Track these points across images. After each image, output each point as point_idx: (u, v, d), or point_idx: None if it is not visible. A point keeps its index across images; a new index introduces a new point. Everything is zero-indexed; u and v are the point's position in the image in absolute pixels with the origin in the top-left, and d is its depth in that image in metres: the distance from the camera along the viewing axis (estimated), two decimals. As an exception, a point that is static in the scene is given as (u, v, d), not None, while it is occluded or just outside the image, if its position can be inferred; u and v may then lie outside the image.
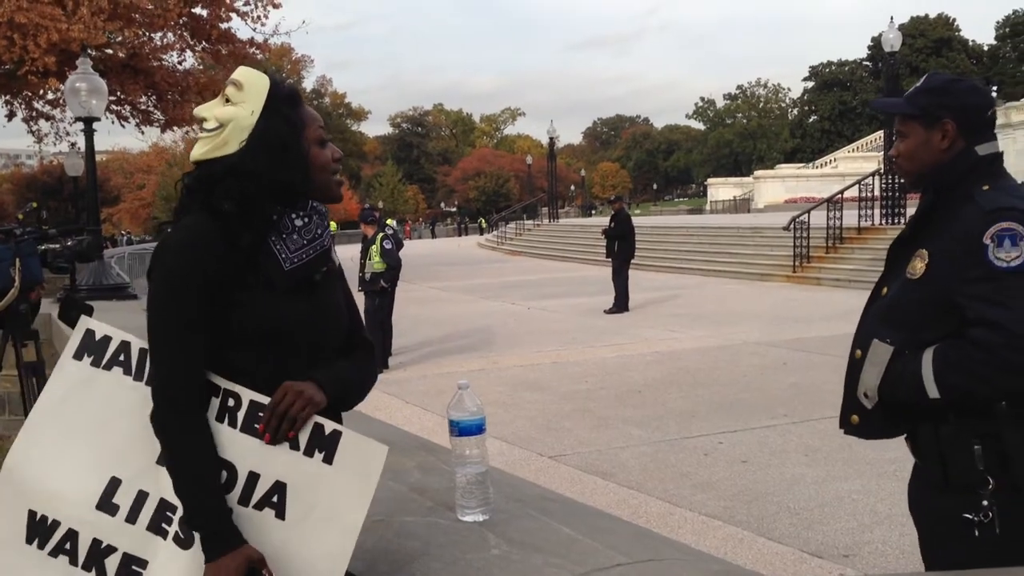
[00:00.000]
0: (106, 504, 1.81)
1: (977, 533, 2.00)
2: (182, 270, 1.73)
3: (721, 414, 7.38)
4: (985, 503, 2.00)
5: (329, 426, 1.76)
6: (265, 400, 1.75)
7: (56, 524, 1.83)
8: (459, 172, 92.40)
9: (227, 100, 1.80)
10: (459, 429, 2.34)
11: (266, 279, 1.77)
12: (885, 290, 2.29)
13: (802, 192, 46.06)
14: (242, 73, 1.83)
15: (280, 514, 1.74)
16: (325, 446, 1.76)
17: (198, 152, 1.80)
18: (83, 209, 28.54)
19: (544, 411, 7.76)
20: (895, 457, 5.61)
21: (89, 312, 4.60)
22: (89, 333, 1.91)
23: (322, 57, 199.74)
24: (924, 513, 2.23)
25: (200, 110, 1.84)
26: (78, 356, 1.91)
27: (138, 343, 1.88)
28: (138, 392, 1.83)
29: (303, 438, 1.75)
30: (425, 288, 19.54)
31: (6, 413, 6.56)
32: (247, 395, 1.76)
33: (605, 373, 9.40)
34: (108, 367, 1.88)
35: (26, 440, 1.92)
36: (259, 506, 1.74)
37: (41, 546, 1.84)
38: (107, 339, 1.90)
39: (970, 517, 2.01)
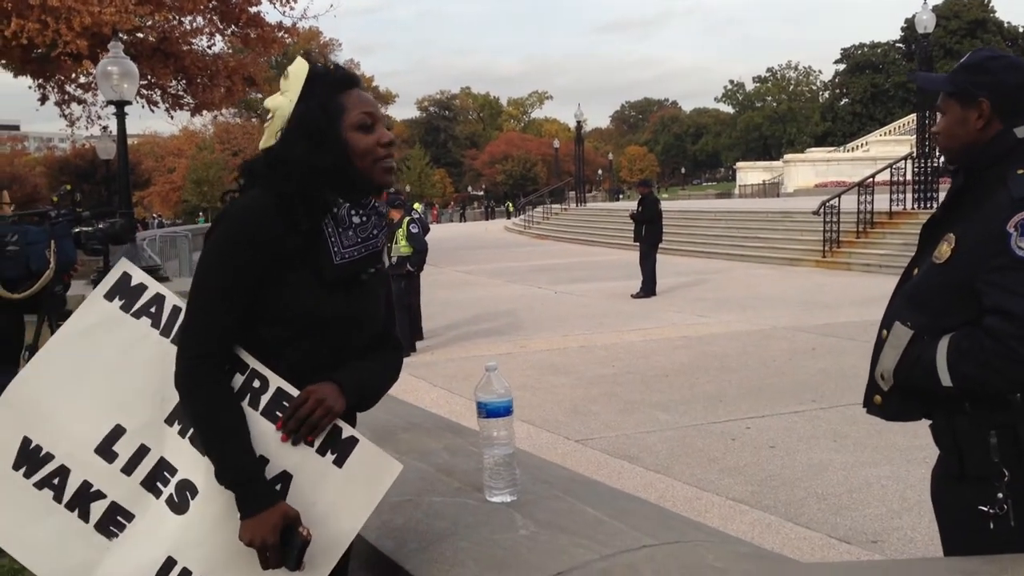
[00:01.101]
0: (105, 450, 1.81)
1: (992, 525, 1.97)
2: (235, 238, 1.77)
3: (749, 399, 7.35)
4: (1000, 495, 1.95)
5: (347, 431, 1.78)
6: (292, 390, 1.76)
7: (49, 457, 1.82)
8: (486, 156, 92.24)
9: (281, 91, 1.86)
10: (487, 411, 2.35)
11: (315, 267, 1.79)
12: (916, 271, 2.26)
13: (833, 176, 45.57)
14: (294, 64, 1.86)
15: (280, 496, 1.75)
16: (338, 449, 1.77)
17: (262, 142, 1.87)
18: (115, 192, 28.88)
19: (571, 395, 7.78)
20: (925, 444, 5.55)
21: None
22: (125, 276, 1.92)
23: (349, 41, 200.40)
24: (943, 503, 2.21)
25: (266, 101, 1.90)
26: (109, 296, 1.91)
27: (172, 300, 1.89)
28: (161, 347, 1.84)
29: (318, 436, 1.77)
30: (452, 272, 19.59)
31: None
32: (275, 381, 1.77)
33: (632, 357, 9.39)
34: (137, 315, 1.89)
35: (38, 366, 1.93)
36: None
37: (27, 475, 1.82)
38: (142, 287, 1.91)
39: (985, 509, 1.98)
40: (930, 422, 2.21)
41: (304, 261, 1.79)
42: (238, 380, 1.77)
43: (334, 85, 1.83)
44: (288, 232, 1.76)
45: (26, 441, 1.83)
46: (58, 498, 1.81)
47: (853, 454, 5.76)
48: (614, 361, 9.20)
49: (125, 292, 1.90)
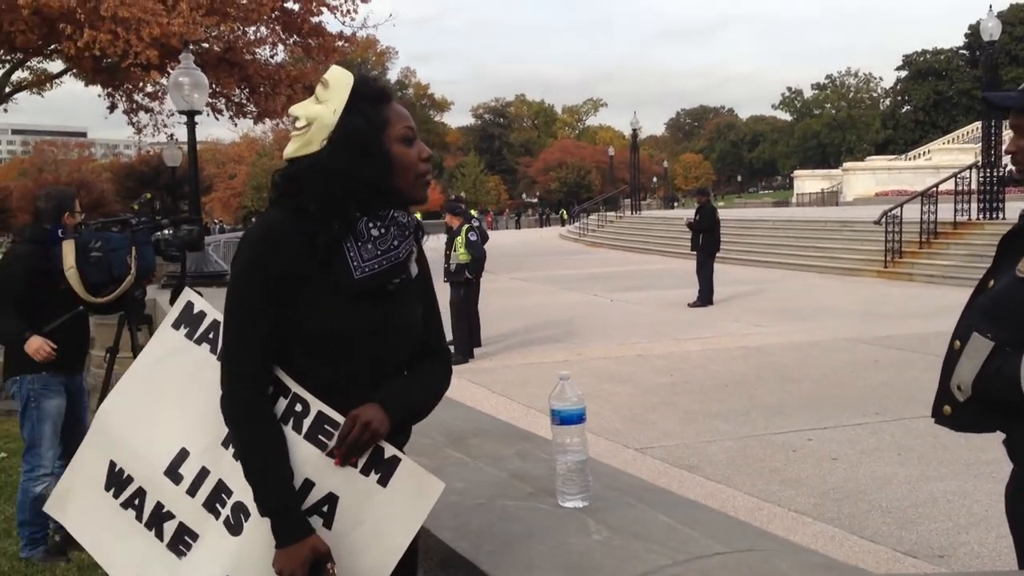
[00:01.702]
0: (173, 472, 1.90)
1: None
2: (254, 262, 1.78)
3: (810, 410, 7.30)
4: None
5: (389, 451, 1.80)
6: (333, 414, 1.78)
7: (130, 479, 1.95)
8: (541, 163, 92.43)
9: (317, 99, 1.83)
10: (560, 418, 2.41)
11: (336, 283, 1.78)
12: (992, 283, 2.25)
13: (894, 185, 44.73)
14: (331, 72, 1.84)
15: (328, 523, 1.78)
16: (382, 469, 1.79)
17: (289, 150, 1.84)
18: (179, 198, 29.52)
19: (630, 403, 7.79)
20: (993, 459, 5.48)
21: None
22: (188, 305, 2.02)
23: (406, 49, 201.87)
24: (1019, 518, 2.20)
25: (293, 109, 1.87)
26: (176, 325, 2.01)
27: None
28: (219, 372, 1.88)
29: (362, 457, 1.79)
30: (508, 279, 19.68)
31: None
32: (316, 405, 1.78)
33: (690, 366, 9.37)
34: (199, 342, 1.98)
35: (119, 394, 2.04)
36: (308, 513, 1.77)
37: (116, 495, 1.95)
38: (202, 315, 2.00)
39: None
40: (1003, 437, 2.21)
41: (325, 278, 1.78)
42: (281, 405, 1.79)
43: (376, 98, 1.82)
44: (308, 249, 1.76)
45: (112, 464, 1.97)
46: (139, 517, 1.92)
47: (918, 467, 5.70)
48: (672, 370, 9.19)
49: (189, 320, 2.00)
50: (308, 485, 1.76)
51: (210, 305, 2.02)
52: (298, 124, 1.83)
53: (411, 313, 1.93)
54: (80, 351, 4.88)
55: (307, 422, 1.78)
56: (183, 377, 1.96)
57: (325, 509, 1.77)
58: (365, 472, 1.79)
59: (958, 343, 2.24)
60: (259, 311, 1.76)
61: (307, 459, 1.77)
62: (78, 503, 2.03)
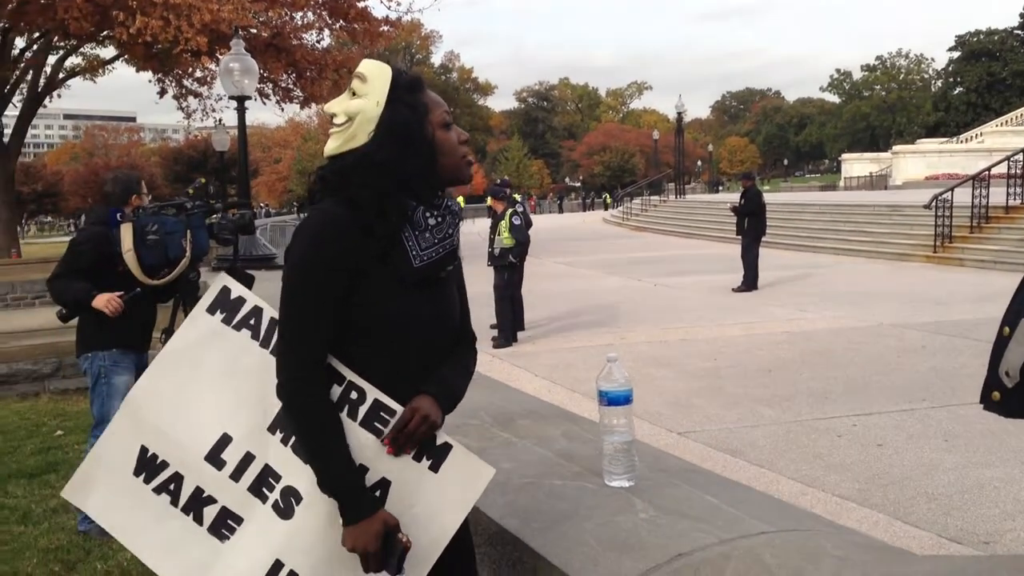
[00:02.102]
0: (214, 458, 1.91)
1: None
2: (313, 254, 1.78)
3: (855, 396, 7.26)
4: None
5: (441, 438, 1.85)
6: (389, 402, 1.82)
7: (164, 464, 1.95)
8: (584, 147, 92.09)
9: (353, 94, 1.84)
10: (608, 399, 2.46)
11: (395, 272, 1.81)
12: None
13: (945, 168, 43.89)
14: (365, 66, 1.86)
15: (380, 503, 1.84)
16: (434, 455, 1.85)
17: (331, 147, 1.85)
18: (228, 182, 29.92)
19: (673, 387, 7.81)
20: (1042, 446, 5.45)
21: (251, 281, 4.93)
22: (225, 291, 1.98)
23: (450, 32, 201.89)
24: None
25: (329, 106, 1.88)
26: (211, 310, 1.98)
27: (270, 311, 1.95)
28: (262, 358, 1.90)
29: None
30: (552, 263, 19.71)
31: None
32: (372, 393, 1.82)
33: (734, 351, 9.34)
34: (238, 327, 1.95)
35: (150, 378, 2.03)
36: None
37: (147, 481, 1.95)
38: (241, 300, 1.97)
39: None
40: None
41: (384, 268, 1.80)
42: (336, 392, 1.82)
43: (413, 87, 1.85)
44: (365, 241, 1.77)
45: (143, 449, 1.97)
46: (175, 502, 1.94)
47: (964, 455, 5.66)
48: (715, 355, 9.18)
49: (226, 305, 1.97)
50: (362, 470, 1.81)
51: (248, 291, 2.01)
52: (336, 121, 1.84)
53: (455, 299, 1.99)
54: (147, 329, 5.01)
55: (363, 409, 1.82)
56: (221, 362, 1.95)
57: (378, 493, 1.82)
58: (417, 458, 1.84)
59: (1007, 329, 2.24)
60: (319, 302, 1.78)
61: (363, 445, 1.82)
62: (104, 489, 2.01)
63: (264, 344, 1.93)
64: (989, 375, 2.32)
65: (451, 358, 1.97)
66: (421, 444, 1.84)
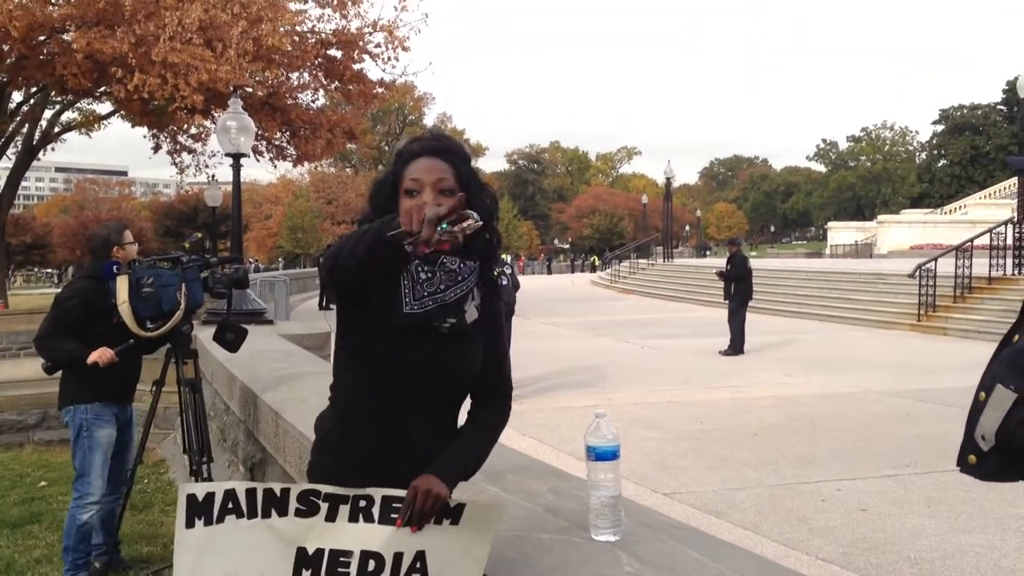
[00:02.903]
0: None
1: None
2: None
3: (840, 461, 7.31)
4: None
5: (453, 502, 2.00)
6: (395, 492, 1.96)
7: None
8: (574, 209, 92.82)
9: None
10: (596, 454, 2.52)
11: (390, 318, 2.02)
12: (1017, 337, 2.33)
13: (929, 239, 44.47)
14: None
15: (424, 573, 1.97)
16: (452, 515, 2.00)
17: None
18: (219, 237, 30.00)
19: (659, 449, 7.84)
20: (1022, 513, 5.50)
21: (243, 335, 4.99)
22: (191, 498, 1.96)
23: (442, 93, 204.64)
24: None
25: None
26: (189, 524, 1.96)
27: (242, 487, 1.99)
28: (260, 526, 1.96)
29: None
30: (540, 324, 19.78)
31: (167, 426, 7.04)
32: (378, 493, 1.96)
33: (721, 414, 9.39)
34: (220, 519, 1.96)
35: None
36: (407, 574, 1.97)
37: None
38: (210, 496, 1.96)
39: None
40: None
41: (386, 313, 2.03)
42: (344, 511, 1.96)
43: (399, 157, 2.08)
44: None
45: None
46: None
47: (947, 520, 5.70)
48: (702, 417, 9.23)
49: (199, 510, 1.96)
50: (399, 557, 1.95)
51: (211, 484, 2.05)
52: None
53: (466, 353, 2.12)
54: (131, 382, 5.05)
55: (376, 511, 1.96)
56: (227, 558, 1.97)
57: (419, 565, 1.96)
58: (439, 522, 1.99)
59: (983, 395, 2.32)
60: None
61: (389, 538, 1.95)
62: None
63: (252, 515, 1.97)
64: (965, 439, 2.40)
65: (473, 421, 2.19)
66: (439, 512, 1.97)
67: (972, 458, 2.37)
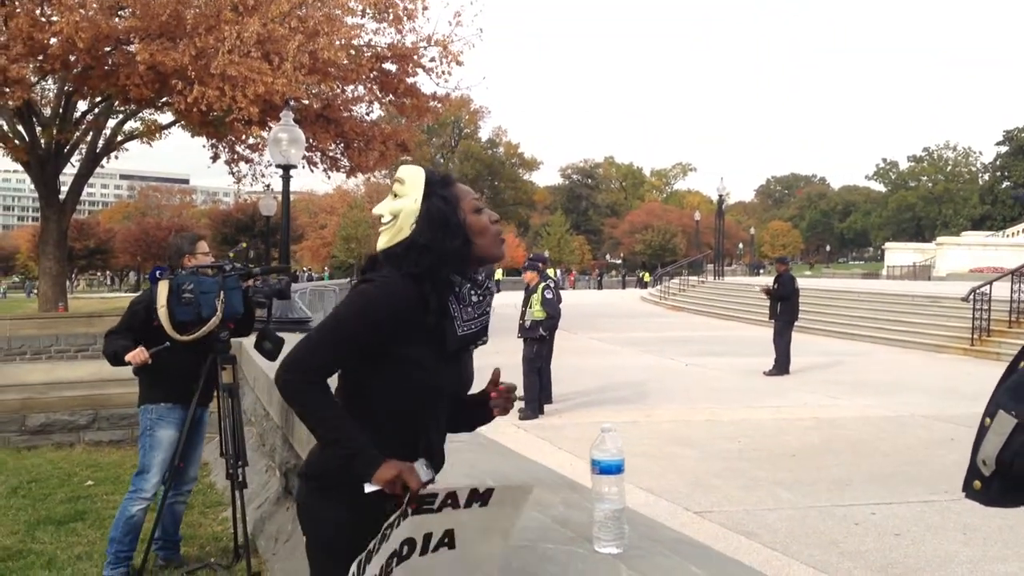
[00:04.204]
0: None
1: None
2: (378, 299, 2.07)
3: (877, 485, 7.22)
4: None
5: (483, 487, 2.08)
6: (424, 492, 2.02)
7: None
8: (627, 225, 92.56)
9: (395, 196, 2.16)
10: (600, 468, 2.57)
11: (439, 341, 2.10)
12: (1022, 364, 2.34)
13: (990, 262, 43.48)
14: (403, 171, 2.18)
15: (451, 546, 2.08)
16: (479, 499, 2.08)
17: (382, 242, 2.16)
18: (273, 246, 30.54)
19: (694, 467, 7.82)
20: (1058, 543, 5.38)
21: (281, 343, 5.12)
22: None
23: (497, 107, 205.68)
24: None
25: (377, 208, 2.20)
26: None
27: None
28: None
29: (462, 497, 2.04)
30: (585, 338, 19.79)
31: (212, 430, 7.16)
32: (385, 549, 1.97)
33: (760, 435, 9.32)
34: None
35: None
36: (435, 549, 2.06)
37: None
38: None
39: None
40: None
41: (432, 337, 2.08)
42: (383, 551, 1.98)
43: (443, 183, 2.17)
44: (418, 310, 2.05)
45: None
46: None
47: (982, 548, 5.61)
48: (740, 436, 9.17)
49: None
50: (427, 537, 2.03)
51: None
52: (384, 220, 2.16)
53: (472, 369, 2.27)
54: (185, 383, 5.15)
55: (410, 510, 2.00)
56: None
57: (447, 540, 2.07)
58: (468, 505, 2.07)
59: (988, 420, 2.33)
60: (359, 337, 2.05)
61: (419, 523, 2.01)
62: None
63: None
64: (971, 464, 2.40)
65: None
66: (468, 496, 2.04)
67: (977, 483, 2.37)
